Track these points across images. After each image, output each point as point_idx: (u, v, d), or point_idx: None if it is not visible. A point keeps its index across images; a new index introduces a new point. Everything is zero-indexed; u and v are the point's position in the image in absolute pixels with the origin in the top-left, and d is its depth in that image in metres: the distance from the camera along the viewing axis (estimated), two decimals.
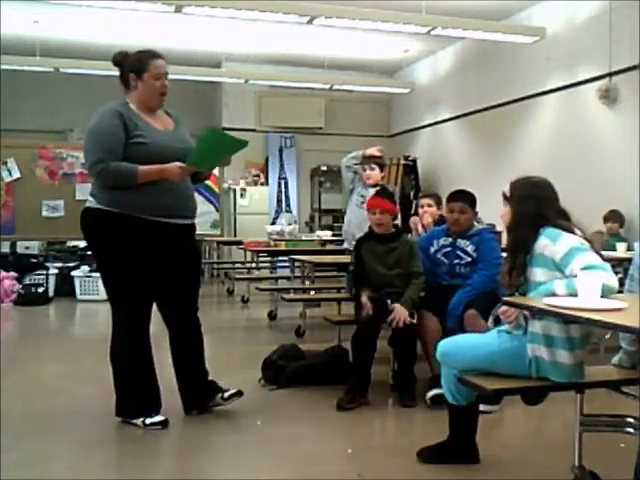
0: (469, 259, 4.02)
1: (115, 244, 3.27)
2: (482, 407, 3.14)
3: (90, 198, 3.34)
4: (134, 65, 3.30)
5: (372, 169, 5.46)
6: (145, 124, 3.28)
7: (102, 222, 3.27)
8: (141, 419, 3.34)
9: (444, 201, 4.24)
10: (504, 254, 3.72)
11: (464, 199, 4.04)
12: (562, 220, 2.66)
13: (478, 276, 3.92)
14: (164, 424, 3.34)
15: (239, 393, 3.58)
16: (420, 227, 5.08)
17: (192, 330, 3.58)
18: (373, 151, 5.62)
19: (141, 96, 3.31)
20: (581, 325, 2.52)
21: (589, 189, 7.00)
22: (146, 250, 3.28)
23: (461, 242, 4.05)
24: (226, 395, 3.56)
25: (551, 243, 2.56)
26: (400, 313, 3.80)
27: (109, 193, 3.24)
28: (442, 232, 4.18)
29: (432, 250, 4.14)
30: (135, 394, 3.39)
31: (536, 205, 2.67)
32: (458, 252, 4.05)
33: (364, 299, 3.87)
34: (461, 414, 2.87)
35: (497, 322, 3.00)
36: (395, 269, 4.01)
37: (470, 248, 4.03)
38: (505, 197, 2.80)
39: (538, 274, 2.60)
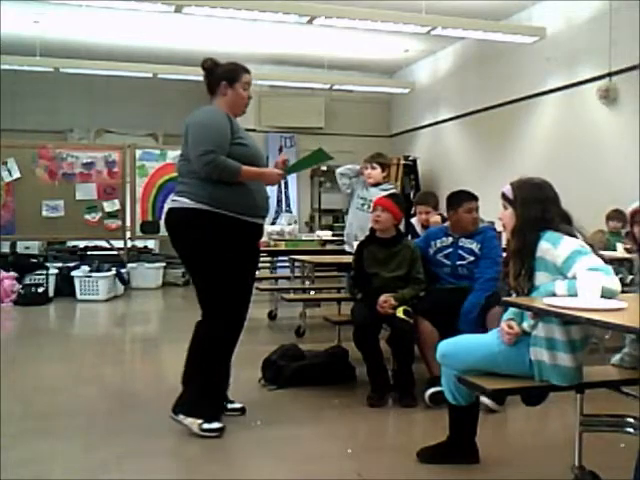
0: (472, 258, 3.98)
1: (205, 241, 3.27)
2: (487, 402, 3.13)
3: (177, 197, 3.33)
4: (228, 74, 3.44)
5: (374, 168, 5.37)
6: (241, 129, 3.42)
7: (195, 219, 3.27)
8: (199, 421, 3.24)
9: (446, 202, 4.13)
10: (504, 254, 3.71)
11: (475, 198, 4.05)
12: (564, 223, 2.64)
13: (485, 278, 3.85)
14: (221, 431, 3.26)
15: (242, 410, 3.58)
16: (420, 229, 5.06)
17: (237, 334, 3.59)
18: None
19: (229, 102, 3.43)
20: (581, 327, 2.52)
21: (589, 189, 6.99)
22: (232, 248, 3.30)
23: (465, 241, 4.02)
24: (229, 406, 3.56)
25: (552, 247, 2.54)
26: (387, 299, 3.84)
27: (204, 190, 3.25)
28: (441, 232, 4.15)
29: (431, 252, 4.12)
30: (210, 394, 3.33)
31: (542, 208, 2.64)
32: (460, 252, 4.01)
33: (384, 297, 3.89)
34: (461, 414, 2.87)
35: None
36: (396, 273, 4.01)
37: (475, 246, 3.99)
38: (507, 199, 2.74)
39: (539, 278, 2.58)
